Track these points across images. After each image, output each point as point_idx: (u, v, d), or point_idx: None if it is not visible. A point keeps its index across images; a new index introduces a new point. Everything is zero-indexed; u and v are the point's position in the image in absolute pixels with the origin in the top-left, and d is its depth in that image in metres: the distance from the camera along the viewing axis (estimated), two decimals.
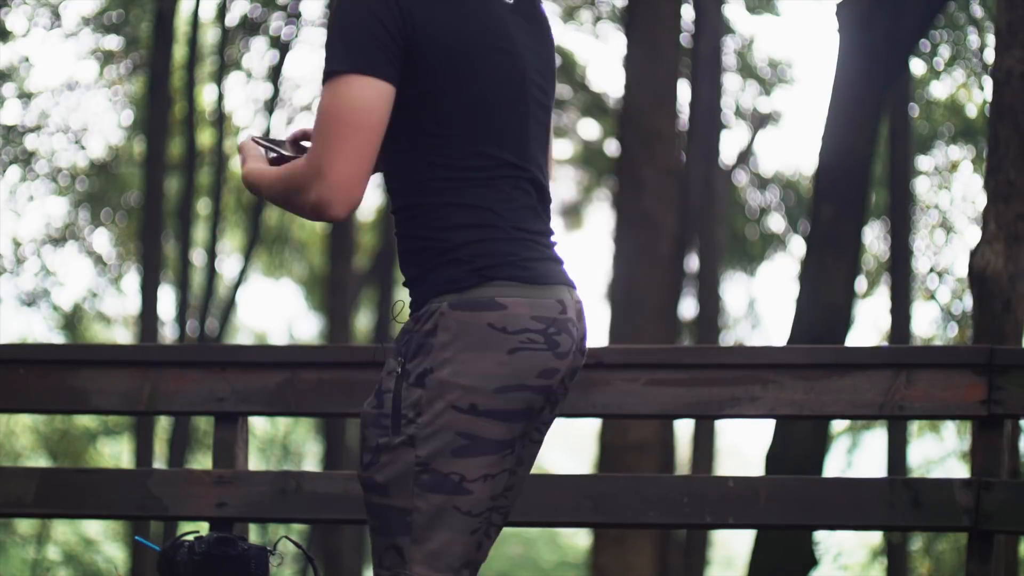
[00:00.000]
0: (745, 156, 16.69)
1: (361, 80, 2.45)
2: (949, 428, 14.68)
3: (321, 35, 15.81)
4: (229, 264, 18.41)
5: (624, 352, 3.41)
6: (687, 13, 12.23)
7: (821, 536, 10.44)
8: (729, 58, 15.38)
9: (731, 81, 15.90)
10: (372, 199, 18.34)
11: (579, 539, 21.12)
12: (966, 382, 3.32)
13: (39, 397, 3.57)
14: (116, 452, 18.11)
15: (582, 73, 17.15)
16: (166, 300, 15.05)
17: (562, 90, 17.31)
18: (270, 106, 15.93)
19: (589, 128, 18.07)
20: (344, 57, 2.45)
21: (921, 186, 14.56)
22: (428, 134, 2.50)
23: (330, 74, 2.45)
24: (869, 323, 16.14)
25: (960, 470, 14.38)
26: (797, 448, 7.77)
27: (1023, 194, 4.59)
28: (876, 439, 14.53)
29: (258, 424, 18.73)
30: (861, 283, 14.54)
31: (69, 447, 16.57)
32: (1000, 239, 4.57)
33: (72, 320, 16.96)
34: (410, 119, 2.50)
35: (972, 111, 13.90)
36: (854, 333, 14.38)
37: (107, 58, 15.67)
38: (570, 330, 2.51)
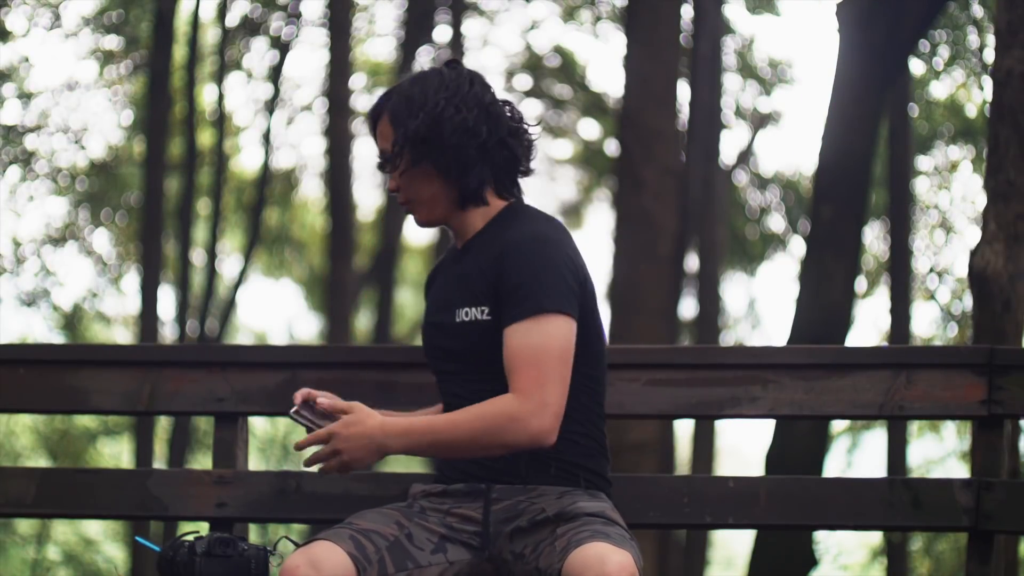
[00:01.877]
0: (745, 156, 16.68)
1: (570, 322, 2.83)
2: (949, 428, 14.67)
3: (321, 35, 15.83)
4: (229, 264, 18.40)
5: (624, 352, 3.41)
6: (687, 13, 12.22)
7: (821, 536, 10.43)
8: (729, 58, 15.36)
9: (731, 81, 15.89)
10: (372, 199, 18.36)
11: None
12: (966, 382, 3.32)
13: (39, 397, 3.56)
14: (116, 452, 18.09)
15: (582, 73, 17.15)
16: (166, 300, 15.04)
17: (562, 90, 17.32)
18: (270, 106, 15.93)
19: (589, 128, 18.07)
20: (558, 298, 2.83)
21: (921, 186, 14.55)
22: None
23: (543, 311, 2.79)
24: (869, 323, 16.13)
25: (960, 470, 14.38)
26: (797, 448, 7.77)
27: (1023, 194, 4.59)
28: (876, 439, 14.52)
29: (258, 424, 18.72)
30: (861, 283, 14.53)
31: (69, 447, 16.56)
32: (1000, 239, 4.57)
33: (72, 320, 16.95)
34: None
35: (972, 111, 13.90)
36: (854, 333, 14.38)
37: (107, 58, 15.65)
38: None
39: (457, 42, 15.40)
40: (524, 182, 3.05)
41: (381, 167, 2.99)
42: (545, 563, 2.76)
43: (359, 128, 15.97)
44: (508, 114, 2.99)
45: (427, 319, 3.05)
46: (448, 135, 2.90)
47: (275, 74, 15.87)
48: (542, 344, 2.80)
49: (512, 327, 2.83)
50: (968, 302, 13.50)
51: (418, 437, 2.81)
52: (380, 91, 18.53)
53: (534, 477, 2.89)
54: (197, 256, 16.12)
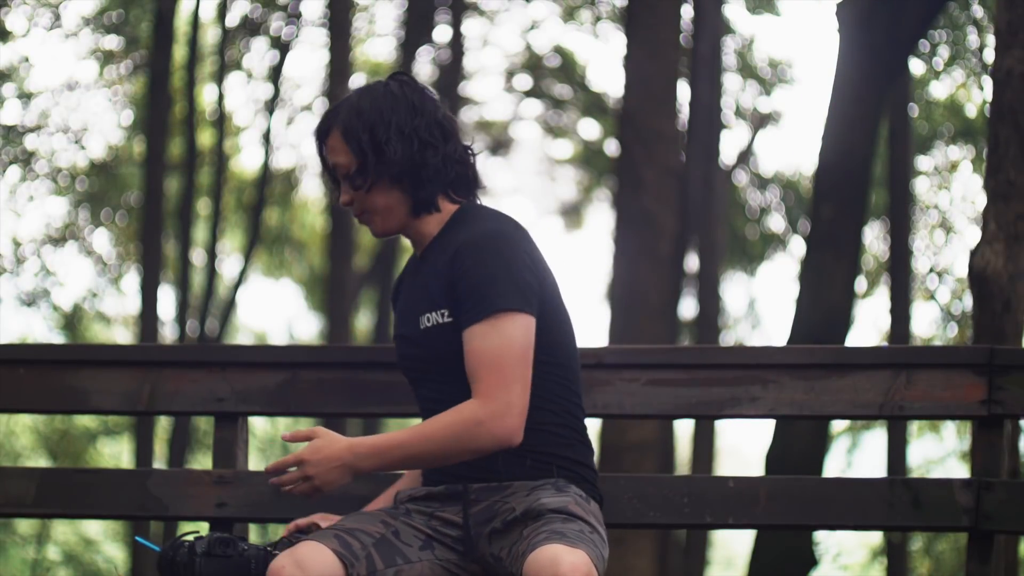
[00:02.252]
0: (745, 156, 16.68)
1: (528, 319, 2.84)
2: (949, 428, 14.68)
3: (321, 35, 15.83)
4: (229, 264, 18.40)
5: (624, 352, 3.41)
6: (687, 13, 12.23)
7: (821, 536, 10.43)
8: (729, 58, 15.37)
9: (731, 81, 15.90)
10: None
11: None
12: (966, 382, 3.31)
13: (39, 397, 3.56)
14: (116, 452, 18.10)
15: (582, 73, 17.15)
16: (166, 300, 15.05)
17: (562, 90, 17.31)
18: (270, 106, 15.93)
19: (589, 128, 18.06)
20: (514, 297, 2.84)
21: (921, 186, 14.56)
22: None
23: (499, 311, 2.81)
24: (869, 323, 16.14)
25: (960, 470, 14.38)
26: (797, 448, 7.77)
27: (1023, 194, 4.59)
28: (876, 439, 14.52)
29: (258, 424, 18.73)
30: (861, 283, 14.54)
31: (69, 447, 16.56)
32: (1000, 239, 4.57)
33: (72, 320, 16.95)
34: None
35: (972, 111, 13.90)
36: (854, 333, 14.39)
37: (107, 58, 15.66)
38: None
39: (457, 42, 15.40)
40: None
41: (337, 181, 3.01)
42: (515, 567, 2.78)
43: None
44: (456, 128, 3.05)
45: (396, 331, 3.07)
46: (404, 148, 2.94)
47: (275, 74, 15.87)
48: (501, 345, 2.83)
49: (470, 330, 2.85)
50: (968, 302, 13.51)
51: (388, 454, 2.84)
52: None
53: (510, 471, 2.90)
54: (197, 256, 16.12)
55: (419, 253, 3.05)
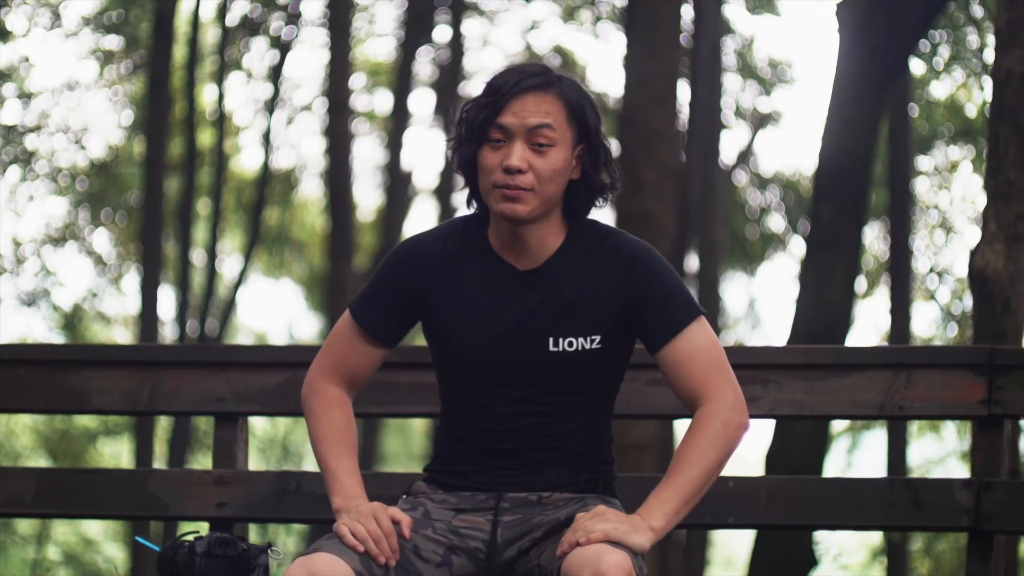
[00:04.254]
0: (745, 156, 16.69)
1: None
2: (949, 428, 14.68)
3: (321, 35, 15.83)
4: (229, 264, 18.41)
5: None
6: (687, 13, 12.23)
7: (821, 536, 10.42)
8: (729, 58, 15.38)
9: (731, 81, 15.91)
10: (372, 199, 18.36)
11: None
12: (966, 382, 3.31)
13: (39, 397, 3.56)
14: (116, 452, 18.09)
15: (582, 73, 17.15)
16: (166, 300, 15.05)
17: None
18: (270, 106, 15.93)
19: None
20: (695, 301, 2.86)
21: (921, 186, 14.57)
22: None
23: (698, 314, 2.81)
24: (869, 323, 16.15)
25: (960, 470, 14.38)
26: (797, 448, 7.77)
27: (1023, 194, 4.59)
28: (876, 439, 14.52)
29: (258, 424, 18.72)
30: (861, 283, 14.54)
31: (69, 447, 16.56)
32: (1000, 239, 4.56)
33: (72, 320, 16.96)
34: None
35: (972, 111, 13.90)
36: (854, 333, 14.38)
37: (107, 58, 15.67)
38: None
39: (457, 42, 15.41)
40: None
41: (535, 136, 2.76)
42: (547, 560, 2.74)
43: (359, 128, 16.00)
44: None
45: (482, 326, 2.84)
46: (599, 130, 2.83)
47: (275, 74, 15.88)
48: (712, 341, 2.81)
49: (678, 337, 2.79)
50: (968, 302, 13.50)
51: (672, 507, 2.73)
52: (380, 91, 18.40)
53: (561, 486, 2.86)
54: (197, 256, 16.12)
55: (518, 259, 2.85)
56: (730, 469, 3.02)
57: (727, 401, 2.78)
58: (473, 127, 2.78)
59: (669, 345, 2.80)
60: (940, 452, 15.38)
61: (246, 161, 18.05)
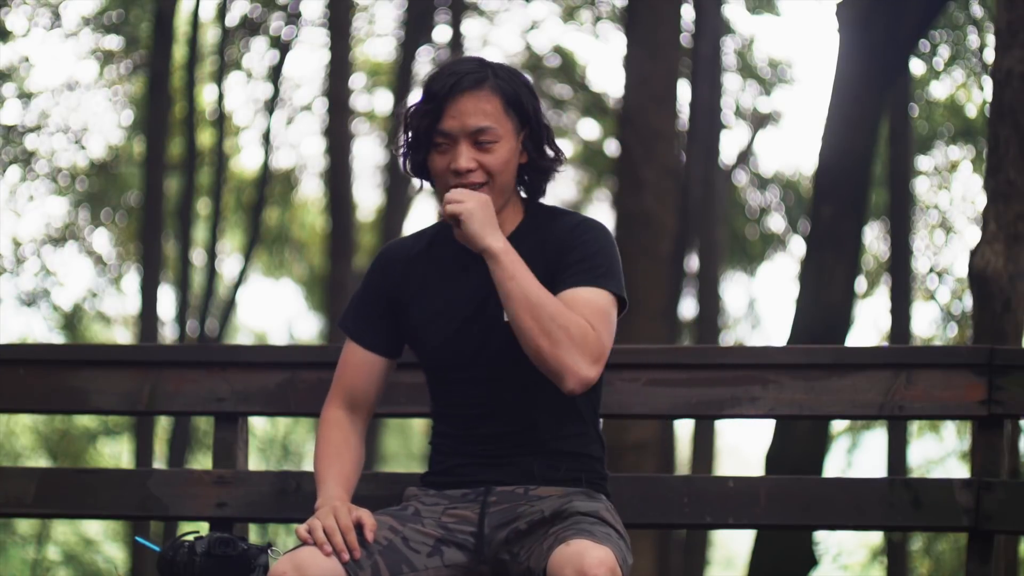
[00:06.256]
0: (745, 156, 16.69)
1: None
2: (949, 428, 14.68)
3: (321, 35, 15.83)
4: (229, 264, 18.41)
5: (624, 352, 3.40)
6: (687, 13, 12.23)
7: (821, 536, 10.43)
8: (729, 58, 15.37)
9: (731, 81, 15.90)
10: (372, 199, 18.36)
11: None
12: (966, 382, 3.31)
13: (39, 397, 3.56)
14: (116, 452, 18.09)
15: (582, 73, 17.15)
16: (166, 300, 15.05)
17: (562, 90, 17.30)
18: (270, 106, 15.93)
19: (589, 128, 18.07)
20: (621, 286, 2.86)
21: (921, 186, 14.56)
22: None
23: (612, 292, 2.82)
24: (869, 323, 16.14)
25: (960, 470, 14.37)
26: (797, 448, 7.77)
27: (1023, 194, 4.59)
28: (876, 439, 14.52)
29: (258, 424, 18.73)
30: (861, 283, 14.53)
31: (69, 447, 16.56)
32: (1000, 239, 4.57)
33: (72, 320, 16.96)
34: None
35: (972, 111, 13.90)
36: (854, 333, 14.37)
37: (107, 58, 15.66)
38: None
39: (457, 42, 15.40)
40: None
41: (477, 136, 2.84)
42: (535, 562, 2.76)
43: (359, 128, 15.99)
44: None
45: (447, 316, 2.93)
46: (537, 112, 2.91)
47: (275, 74, 15.88)
48: (608, 306, 2.82)
49: (579, 289, 2.81)
50: (968, 302, 13.50)
51: (515, 256, 2.78)
52: (380, 91, 18.39)
53: (544, 477, 2.89)
54: (197, 256, 16.12)
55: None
56: (730, 469, 3.01)
57: (602, 346, 2.79)
58: (418, 134, 2.88)
59: (573, 288, 2.82)
60: (940, 452, 15.38)
61: (246, 161, 18.06)
